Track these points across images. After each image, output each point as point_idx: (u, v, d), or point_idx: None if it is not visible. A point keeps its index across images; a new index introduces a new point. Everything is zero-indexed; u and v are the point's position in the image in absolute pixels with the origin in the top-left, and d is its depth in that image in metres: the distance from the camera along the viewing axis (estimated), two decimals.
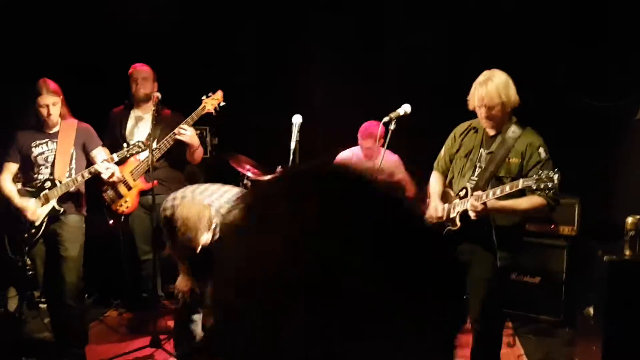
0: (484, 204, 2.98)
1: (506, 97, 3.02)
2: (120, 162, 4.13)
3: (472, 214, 3.03)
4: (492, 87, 3.01)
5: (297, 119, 3.39)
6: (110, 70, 4.84)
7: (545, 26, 4.67)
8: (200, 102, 4.12)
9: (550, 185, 2.84)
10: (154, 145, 4.16)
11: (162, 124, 4.23)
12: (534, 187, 2.88)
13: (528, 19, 4.72)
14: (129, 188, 4.29)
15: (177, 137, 4.08)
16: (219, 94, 4.06)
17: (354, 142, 4.89)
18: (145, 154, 4.15)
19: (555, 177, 2.84)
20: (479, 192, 3.04)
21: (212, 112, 4.11)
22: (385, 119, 3.23)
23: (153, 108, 4.00)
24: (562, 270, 4.59)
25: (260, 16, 5.26)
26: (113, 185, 4.29)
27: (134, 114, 4.46)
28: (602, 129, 4.48)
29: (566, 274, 4.56)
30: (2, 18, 4.89)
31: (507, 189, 2.95)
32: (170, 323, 4.52)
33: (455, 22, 4.90)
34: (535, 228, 4.64)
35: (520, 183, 2.92)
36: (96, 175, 3.84)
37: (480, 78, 3.09)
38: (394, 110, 3.24)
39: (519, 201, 3.04)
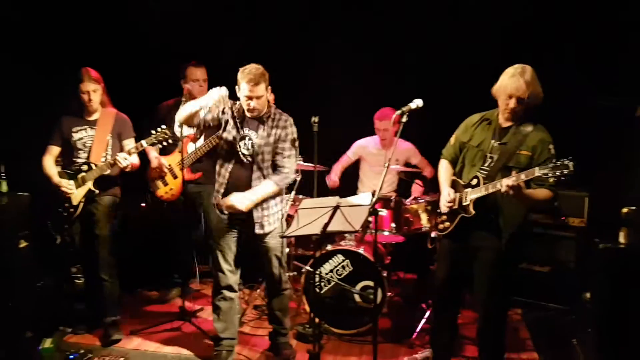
0: (518, 185, 3.06)
1: (536, 92, 3.18)
2: (168, 153, 4.49)
3: (505, 190, 3.09)
4: (527, 80, 3.15)
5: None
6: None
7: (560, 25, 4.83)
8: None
9: (566, 172, 2.93)
10: (201, 140, 4.53)
11: None
12: (550, 175, 2.97)
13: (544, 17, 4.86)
14: (175, 177, 4.60)
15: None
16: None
17: (368, 133, 5.14)
18: (193, 146, 4.52)
19: (571, 164, 2.93)
20: (506, 180, 3.10)
21: None
22: (397, 112, 3.37)
23: (184, 99, 4.28)
24: (571, 260, 4.76)
25: (272, 16, 5.48)
26: (160, 174, 4.62)
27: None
28: (613, 124, 4.61)
29: (575, 264, 4.73)
30: (56, 10, 5.22)
31: (523, 176, 3.06)
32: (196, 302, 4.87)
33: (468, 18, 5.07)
34: (546, 220, 4.83)
35: (537, 171, 3.01)
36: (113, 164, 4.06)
37: (512, 70, 3.21)
38: (406, 104, 3.40)
39: (534, 191, 3.18)
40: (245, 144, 3.71)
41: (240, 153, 3.72)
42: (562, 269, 4.77)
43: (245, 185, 3.69)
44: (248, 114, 3.70)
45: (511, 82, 3.19)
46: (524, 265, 4.82)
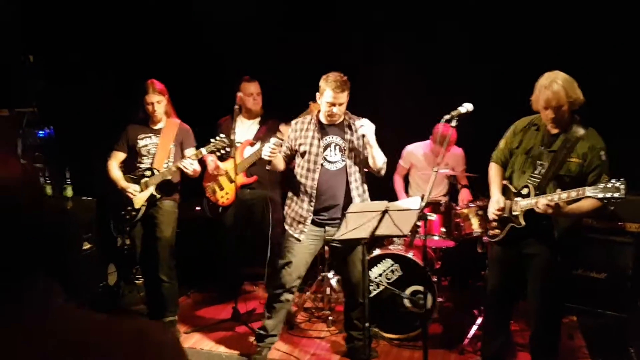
0: (557, 204, 3.07)
1: (572, 97, 3.10)
2: (224, 159, 4.60)
3: (541, 211, 3.12)
4: (558, 88, 3.08)
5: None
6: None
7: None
8: (307, 105, 4.38)
9: (617, 196, 2.89)
10: (257, 145, 4.63)
11: (268, 127, 4.70)
12: (600, 196, 2.93)
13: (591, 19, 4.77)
14: (231, 181, 4.71)
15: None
16: None
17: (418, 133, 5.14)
18: (250, 150, 4.62)
19: (623, 187, 2.88)
20: (549, 197, 3.11)
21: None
22: (447, 116, 3.36)
23: (236, 107, 4.42)
24: (628, 266, 4.62)
25: (321, 19, 5.56)
26: (216, 178, 4.76)
27: (240, 120, 4.81)
28: None
29: (632, 270, 4.60)
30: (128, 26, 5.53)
31: (574, 194, 3.02)
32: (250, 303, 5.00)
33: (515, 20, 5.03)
34: (603, 225, 4.71)
35: (587, 191, 2.97)
36: (180, 170, 4.28)
37: (544, 81, 3.15)
38: (455, 108, 3.38)
39: (581, 204, 3.11)
40: (331, 150, 3.78)
41: (326, 162, 3.77)
42: (619, 275, 4.64)
43: (341, 191, 3.76)
44: (326, 120, 3.78)
45: (542, 94, 3.14)
46: (580, 271, 4.71)
